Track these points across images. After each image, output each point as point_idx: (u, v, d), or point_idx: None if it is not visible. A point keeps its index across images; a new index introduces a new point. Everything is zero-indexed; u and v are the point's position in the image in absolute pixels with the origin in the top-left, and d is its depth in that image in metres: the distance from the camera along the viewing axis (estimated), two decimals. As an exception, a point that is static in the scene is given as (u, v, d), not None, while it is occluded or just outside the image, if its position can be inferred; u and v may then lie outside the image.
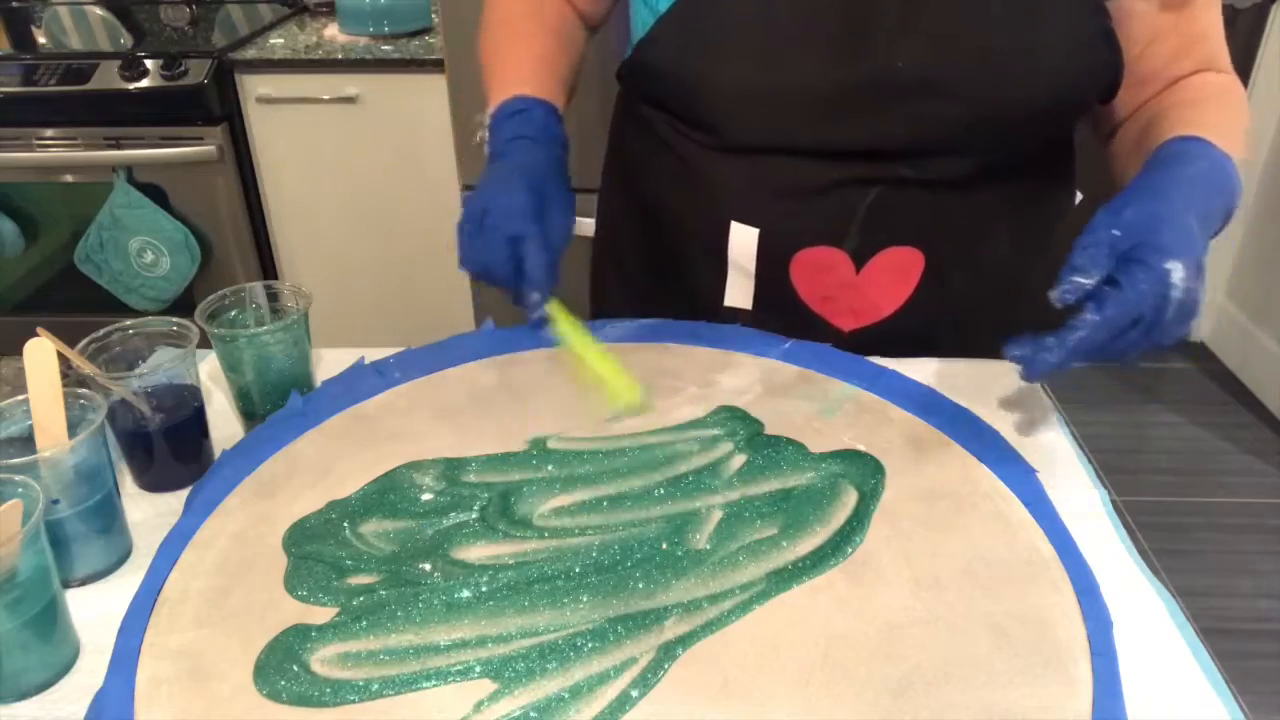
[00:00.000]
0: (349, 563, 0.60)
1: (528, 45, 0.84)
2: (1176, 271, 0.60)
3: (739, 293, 0.84)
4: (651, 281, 0.92)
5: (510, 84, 0.80)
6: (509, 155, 0.76)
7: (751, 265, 0.81)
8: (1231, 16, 2.30)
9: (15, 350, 0.63)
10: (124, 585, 0.59)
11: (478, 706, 0.50)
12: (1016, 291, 0.85)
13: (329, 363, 0.80)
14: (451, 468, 0.68)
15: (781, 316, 0.82)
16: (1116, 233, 0.62)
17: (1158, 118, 0.75)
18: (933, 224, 0.78)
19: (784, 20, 0.72)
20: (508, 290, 0.74)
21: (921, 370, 0.78)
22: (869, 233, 0.77)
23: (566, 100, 0.84)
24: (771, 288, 0.82)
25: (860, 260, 0.79)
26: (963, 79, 0.71)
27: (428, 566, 0.59)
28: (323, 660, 0.53)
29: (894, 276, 0.79)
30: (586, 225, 0.91)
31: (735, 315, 0.85)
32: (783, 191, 0.78)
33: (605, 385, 0.72)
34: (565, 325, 0.74)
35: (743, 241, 0.81)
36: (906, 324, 0.81)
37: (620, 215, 0.95)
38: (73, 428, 0.59)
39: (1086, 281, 0.61)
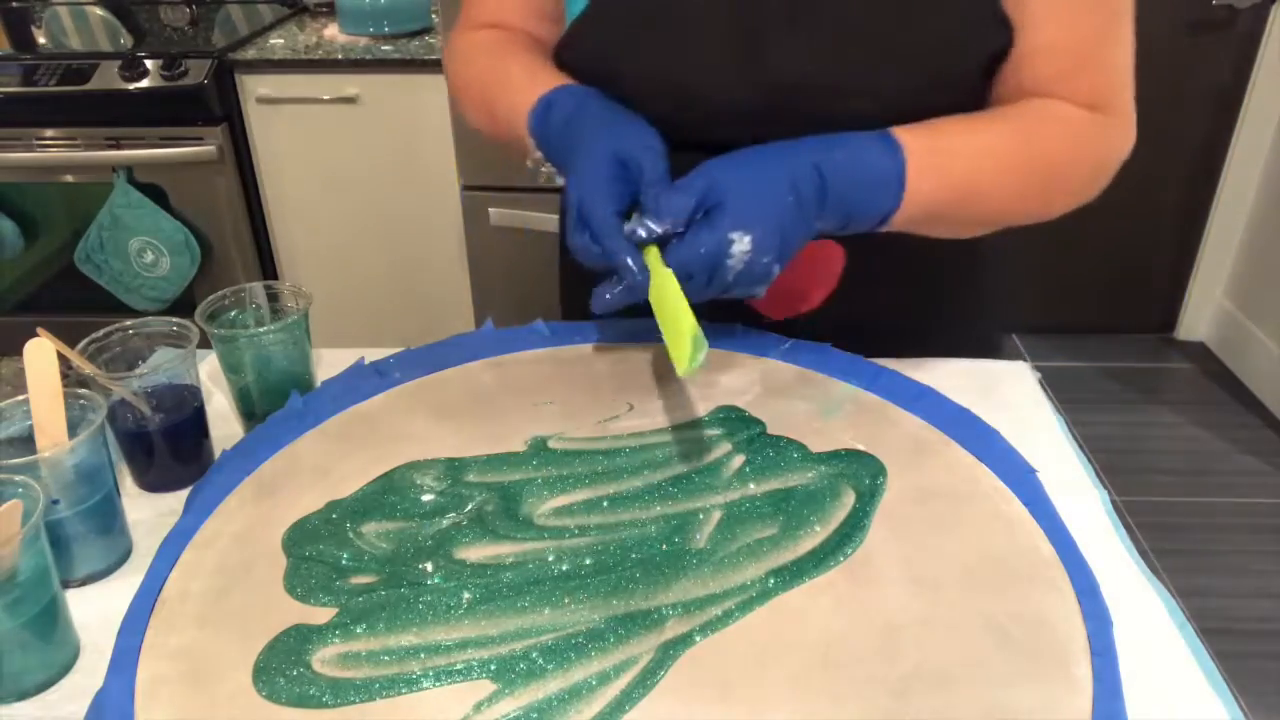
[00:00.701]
0: (349, 563, 0.60)
1: (518, 62, 0.82)
2: (740, 243, 0.62)
3: None
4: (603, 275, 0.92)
5: (527, 96, 0.77)
6: (567, 135, 0.72)
7: None
8: (1231, 16, 2.30)
9: (15, 350, 0.63)
10: (124, 585, 0.59)
11: (478, 707, 0.50)
12: (949, 285, 0.86)
13: (329, 363, 0.80)
14: (451, 468, 0.68)
15: (716, 305, 0.82)
16: (701, 185, 0.64)
17: None
18: None
19: (683, 26, 0.74)
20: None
21: (921, 370, 0.78)
22: None
23: None
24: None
25: None
26: (859, 76, 0.71)
27: (428, 567, 0.59)
28: (323, 661, 0.53)
29: (817, 267, 0.80)
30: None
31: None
32: None
33: (682, 337, 0.65)
34: (657, 269, 0.65)
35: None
36: (838, 314, 0.81)
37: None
38: (73, 428, 0.59)
39: (657, 228, 0.64)
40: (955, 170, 0.68)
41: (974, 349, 0.85)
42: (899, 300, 0.84)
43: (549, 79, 0.77)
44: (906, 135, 0.68)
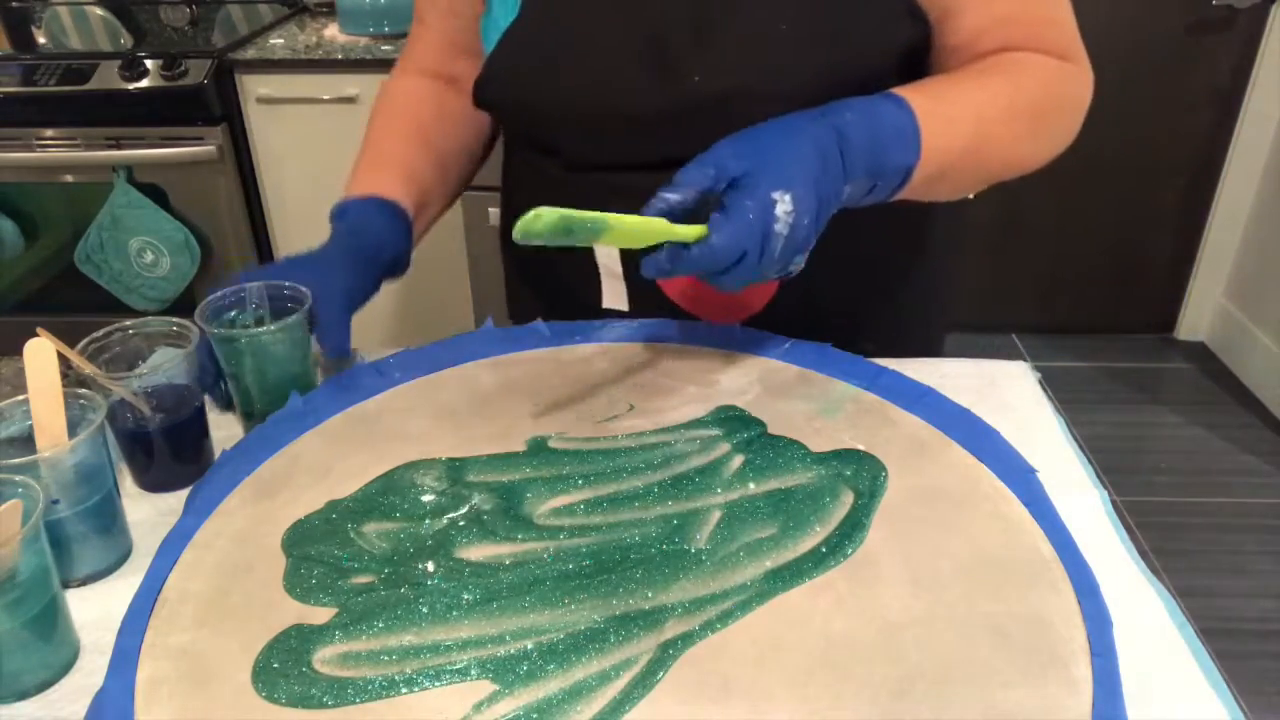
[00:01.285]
0: (349, 563, 0.60)
1: (380, 150, 0.88)
2: (782, 203, 0.60)
3: (614, 296, 0.85)
4: (548, 284, 0.92)
5: (354, 183, 0.84)
6: (328, 245, 0.79)
7: (619, 268, 0.82)
8: (1231, 16, 2.30)
9: (15, 350, 0.63)
10: (124, 585, 0.59)
11: (478, 707, 0.50)
12: (894, 289, 0.87)
13: (329, 362, 0.79)
14: (451, 468, 0.68)
15: (660, 316, 0.83)
16: (723, 162, 0.62)
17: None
18: None
19: (593, 47, 0.75)
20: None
21: (921, 370, 0.78)
22: None
23: (423, 197, 0.87)
24: (644, 289, 0.82)
25: None
26: (771, 81, 0.72)
27: (428, 567, 0.59)
28: (323, 661, 0.53)
29: None
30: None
31: (619, 317, 0.85)
32: (634, 203, 0.78)
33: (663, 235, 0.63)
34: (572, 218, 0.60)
35: (605, 248, 0.82)
36: (779, 319, 0.81)
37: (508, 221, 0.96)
38: (73, 428, 0.59)
39: (673, 196, 0.62)
40: (962, 120, 0.69)
41: (916, 347, 0.85)
42: (840, 296, 0.84)
43: (377, 179, 0.84)
44: (908, 93, 0.68)
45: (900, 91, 0.68)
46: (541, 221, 0.57)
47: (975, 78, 0.72)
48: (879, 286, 0.87)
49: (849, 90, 0.71)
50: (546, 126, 0.81)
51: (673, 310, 0.82)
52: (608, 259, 0.82)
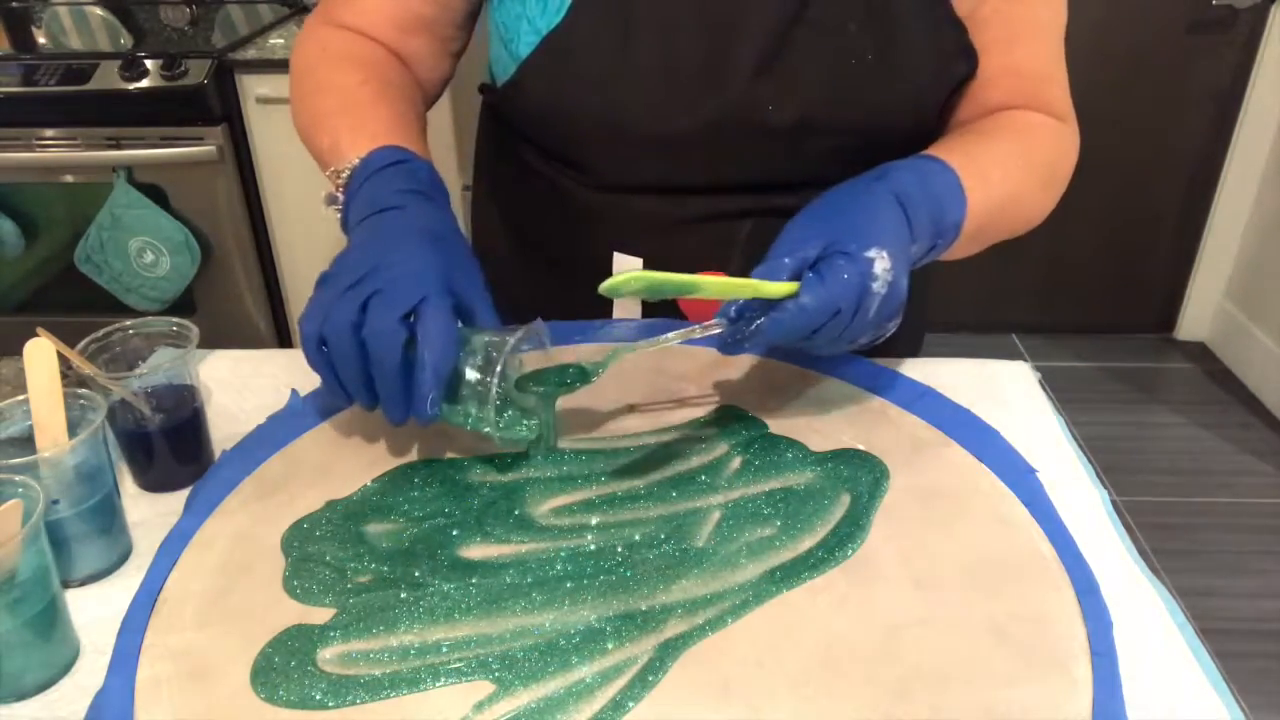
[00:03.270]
0: (349, 563, 0.60)
1: (377, 103, 0.74)
2: (881, 260, 0.59)
3: (626, 315, 0.84)
4: (533, 299, 0.85)
5: (371, 136, 0.69)
6: (401, 209, 0.64)
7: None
8: (1231, 16, 2.30)
9: (15, 350, 0.63)
10: (124, 585, 0.59)
11: (478, 707, 0.50)
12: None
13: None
14: (451, 468, 0.68)
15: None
16: (807, 234, 0.61)
17: (937, 143, 0.73)
18: None
19: (644, 66, 0.72)
20: (363, 396, 0.60)
21: (921, 370, 0.78)
22: (749, 255, 0.77)
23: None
24: (660, 311, 0.82)
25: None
26: (838, 115, 0.72)
27: (428, 567, 0.59)
28: (322, 661, 0.53)
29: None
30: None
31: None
32: (664, 225, 0.78)
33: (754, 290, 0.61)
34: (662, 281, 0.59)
35: (627, 270, 0.80)
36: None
37: (494, 232, 0.91)
38: (73, 428, 0.59)
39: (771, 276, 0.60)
40: (994, 179, 0.69)
41: (903, 347, 0.85)
42: None
43: (399, 133, 0.70)
44: (942, 152, 0.68)
45: (934, 152, 0.69)
46: (633, 285, 0.57)
47: (994, 137, 0.73)
48: None
49: (901, 124, 0.73)
50: (583, 143, 0.77)
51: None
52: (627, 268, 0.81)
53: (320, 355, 0.60)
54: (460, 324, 0.61)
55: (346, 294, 0.59)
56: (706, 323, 0.63)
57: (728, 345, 0.62)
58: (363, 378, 0.59)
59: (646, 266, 0.79)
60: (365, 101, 0.74)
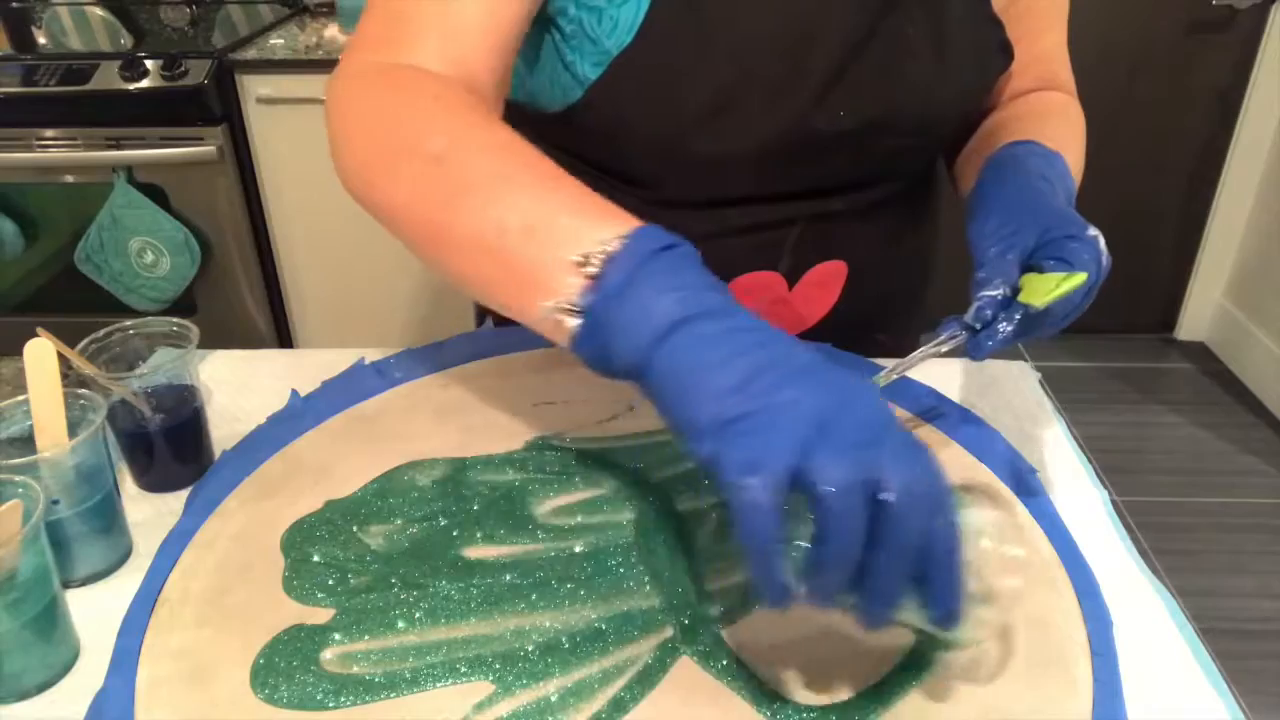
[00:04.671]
0: (349, 564, 0.60)
1: (560, 168, 0.54)
2: (1101, 237, 0.62)
3: None
4: None
5: (600, 209, 0.50)
6: (727, 299, 0.46)
7: None
8: (1231, 16, 2.30)
9: (15, 350, 0.63)
10: (124, 585, 0.59)
11: (478, 707, 0.50)
12: (923, 286, 0.90)
13: (329, 363, 0.79)
14: (452, 468, 0.68)
15: None
16: (1009, 230, 0.62)
17: (997, 129, 0.78)
18: (859, 238, 0.80)
19: (718, 83, 0.70)
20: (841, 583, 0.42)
21: (922, 370, 0.78)
22: (801, 255, 0.78)
23: None
24: None
25: (793, 279, 0.79)
26: (900, 116, 0.73)
27: (428, 567, 0.59)
28: (323, 661, 0.53)
29: (821, 290, 0.81)
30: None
31: None
32: (714, 234, 0.76)
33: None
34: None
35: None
36: (828, 331, 0.82)
37: None
38: (73, 428, 0.59)
39: (996, 294, 0.60)
40: (1071, 154, 0.72)
41: (911, 339, 0.89)
42: (884, 308, 0.85)
43: (600, 201, 0.51)
44: (1029, 137, 0.72)
45: (1017, 138, 0.72)
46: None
47: (1048, 119, 0.77)
48: (916, 284, 0.89)
49: (952, 118, 0.77)
50: (647, 160, 0.74)
51: None
52: None
53: (774, 522, 0.40)
54: None
55: (875, 443, 0.41)
56: (945, 336, 0.62)
57: (981, 348, 0.60)
58: (851, 562, 0.41)
59: None
60: (545, 161, 0.54)
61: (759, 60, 0.70)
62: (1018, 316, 0.60)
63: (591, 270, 0.46)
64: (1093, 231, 0.61)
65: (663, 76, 0.70)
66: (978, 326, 0.60)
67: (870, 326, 0.84)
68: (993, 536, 0.48)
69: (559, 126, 0.75)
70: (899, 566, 0.41)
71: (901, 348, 0.79)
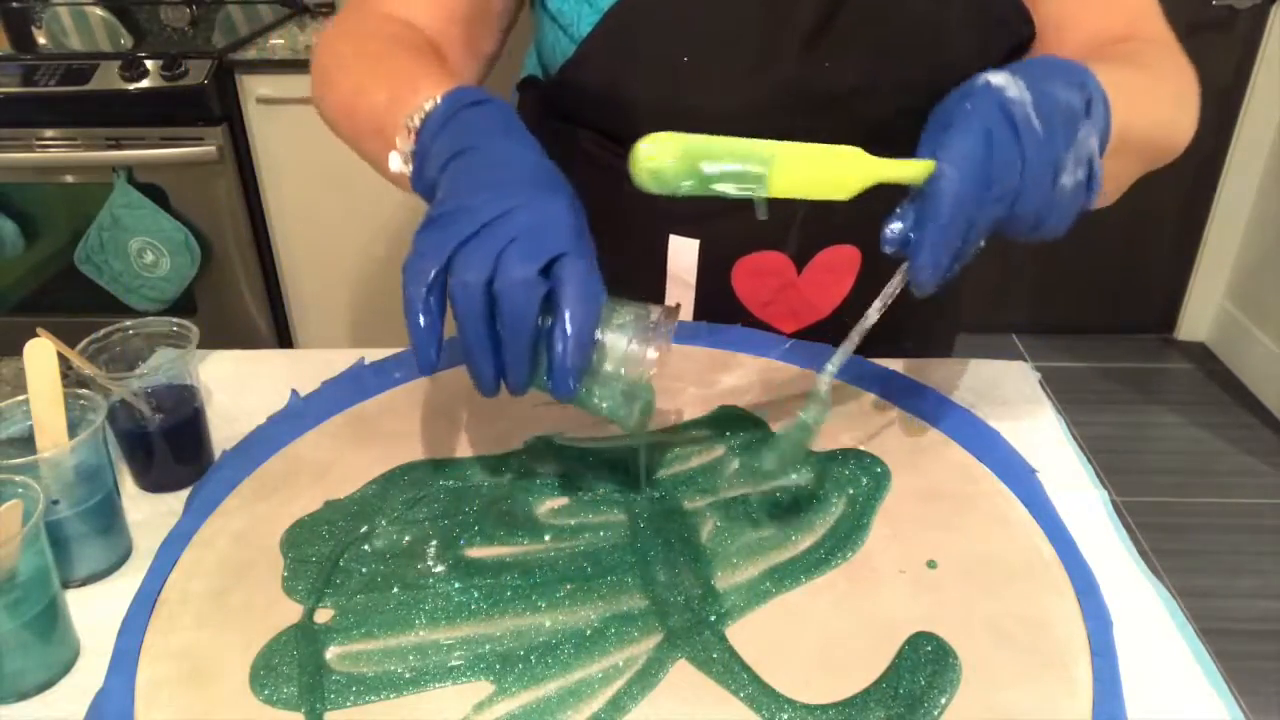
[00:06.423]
0: (349, 564, 0.60)
1: (438, 56, 0.68)
2: (995, 77, 0.51)
3: (679, 299, 0.83)
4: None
5: (438, 81, 0.60)
6: (512, 148, 0.55)
7: (692, 277, 0.80)
8: (1231, 17, 2.30)
9: (15, 350, 0.63)
10: (124, 585, 0.59)
11: (478, 707, 0.50)
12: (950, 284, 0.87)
13: (329, 363, 0.79)
14: (451, 468, 0.68)
15: (723, 312, 0.81)
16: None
17: None
18: (868, 219, 0.77)
19: (705, 34, 0.71)
20: (485, 362, 0.51)
21: (922, 370, 0.78)
22: (809, 234, 0.77)
23: None
24: (713, 297, 0.81)
25: (801, 262, 0.79)
26: (893, 74, 0.71)
27: (428, 567, 0.59)
28: (322, 661, 0.53)
29: (833, 275, 0.79)
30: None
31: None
32: (721, 206, 0.76)
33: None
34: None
35: (682, 253, 0.80)
36: (844, 323, 0.81)
37: None
38: (73, 428, 0.59)
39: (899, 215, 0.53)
40: (1108, 74, 0.59)
41: (936, 348, 0.86)
42: (901, 302, 0.84)
43: (451, 77, 0.62)
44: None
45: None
46: (661, 158, 0.46)
47: (1100, 61, 0.62)
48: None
49: (956, 81, 0.65)
50: (643, 121, 0.72)
51: (736, 317, 0.81)
52: (680, 268, 0.80)
53: (428, 308, 0.52)
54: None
55: (476, 239, 0.50)
56: (886, 293, 0.54)
57: (915, 272, 0.52)
58: (489, 340, 0.51)
59: (702, 247, 0.76)
60: (425, 59, 0.66)
61: (741, 14, 0.70)
62: (912, 214, 0.51)
63: (413, 125, 0.58)
64: (986, 77, 0.50)
65: (651, 31, 0.72)
66: (890, 249, 0.54)
67: (892, 328, 0.82)
68: (635, 337, 0.54)
69: (561, 92, 0.78)
70: (518, 343, 0.50)
71: (929, 355, 0.79)
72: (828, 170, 0.49)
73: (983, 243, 0.52)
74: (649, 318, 0.55)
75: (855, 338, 0.58)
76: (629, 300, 0.56)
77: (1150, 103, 0.65)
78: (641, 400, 0.58)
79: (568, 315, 0.49)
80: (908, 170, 0.49)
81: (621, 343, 0.54)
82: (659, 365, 0.55)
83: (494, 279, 0.49)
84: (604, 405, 0.56)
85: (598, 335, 0.53)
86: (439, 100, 0.58)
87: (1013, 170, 0.50)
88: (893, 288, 0.54)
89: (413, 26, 0.74)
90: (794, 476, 0.66)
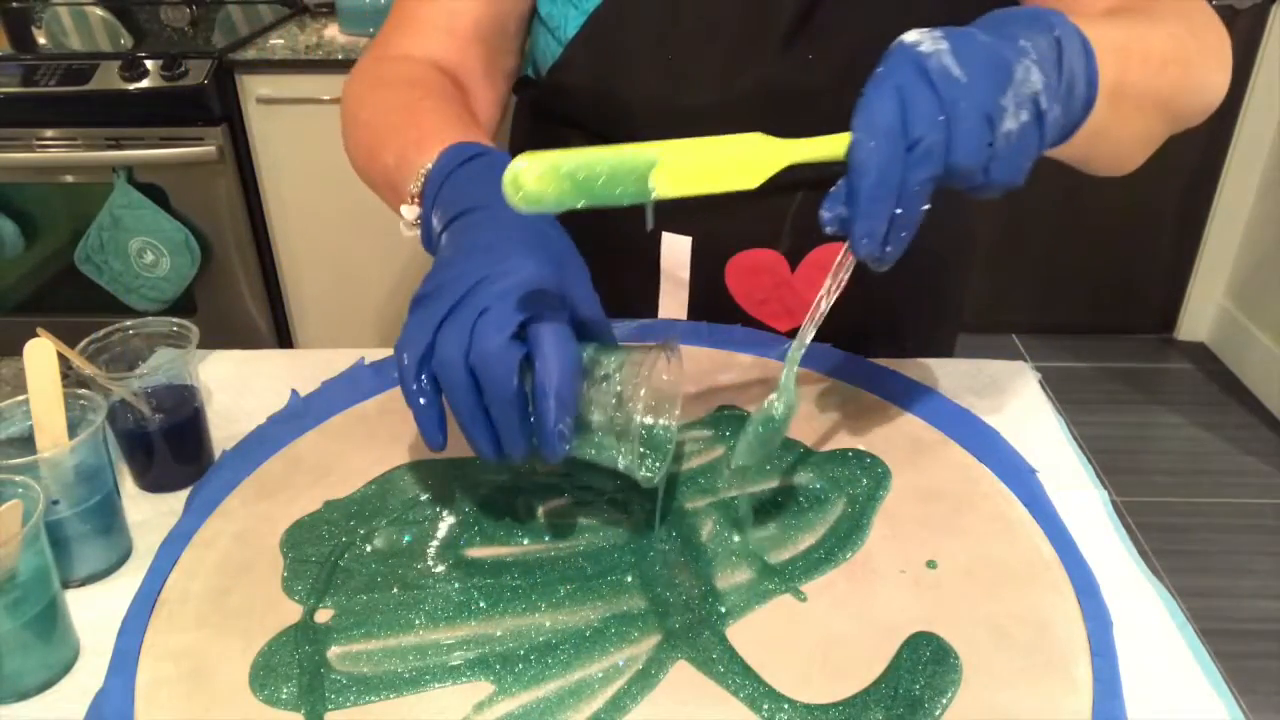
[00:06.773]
0: (349, 564, 0.60)
1: (442, 111, 0.69)
2: (909, 34, 0.48)
3: (673, 303, 0.83)
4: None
5: (440, 140, 0.63)
6: (488, 207, 0.56)
7: (685, 274, 0.81)
8: (1231, 17, 2.30)
9: (15, 350, 0.63)
10: (124, 585, 0.59)
11: (478, 707, 0.50)
12: (941, 283, 0.87)
13: (329, 363, 0.79)
14: (451, 468, 0.68)
15: (717, 322, 0.82)
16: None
17: None
18: None
19: (689, 31, 0.72)
20: (481, 435, 0.53)
21: (921, 370, 0.78)
22: (801, 231, 0.77)
23: None
24: (707, 295, 0.81)
25: (794, 259, 0.79)
26: (868, 68, 0.68)
27: (427, 567, 0.59)
28: (322, 661, 0.53)
29: (827, 273, 0.78)
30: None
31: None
32: (713, 203, 0.76)
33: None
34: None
35: (675, 251, 0.80)
36: (839, 320, 0.80)
37: None
38: (73, 428, 0.59)
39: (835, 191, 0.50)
40: (1099, 26, 0.56)
41: (936, 348, 0.86)
42: (898, 301, 0.84)
43: (452, 134, 0.64)
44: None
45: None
46: (536, 179, 0.43)
47: (1114, 21, 0.61)
48: (933, 280, 0.87)
49: None
50: (631, 120, 0.75)
51: (730, 315, 0.81)
52: (674, 265, 0.80)
53: (422, 390, 0.53)
54: (589, 339, 0.55)
55: (452, 314, 0.51)
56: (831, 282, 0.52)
57: (863, 243, 0.49)
58: (480, 411, 0.52)
59: (696, 245, 0.77)
60: (429, 110, 0.68)
61: (723, 9, 0.71)
62: (844, 190, 0.49)
63: (415, 191, 0.62)
64: (902, 38, 0.48)
65: (634, 29, 0.73)
66: (831, 230, 0.51)
67: (892, 329, 0.82)
68: (623, 378, 0.54)
69: (551, 93, 0.79)
70: (504, 411, 0.51)
71: (929, 355, 0.78)
72: (723, 161, 0.47)
73: (928, 204, 0.49)
74: (643, 362, 0.53)
75: (810, 326, 0.57)
76: (623, 346, 0.56)
77: (1159, 54, 0.60)
78: (662, 450, 0.57)
79: (542, 377, 0.50)
80: (826, 147, 0.47)
81: (610, 394, 0.53)
82: (677, 404, 0.57)
83: (469, 352, 0.50)
84: (619, 460, 0.54)
85: (586, 388, 0.53)
86: (430, 166, 0.62)
87: (932, 123, 0.47)
88: (839, 265, 0.53)
89: (430, 64, 0.76)
90: (768, 469, 0.66)
